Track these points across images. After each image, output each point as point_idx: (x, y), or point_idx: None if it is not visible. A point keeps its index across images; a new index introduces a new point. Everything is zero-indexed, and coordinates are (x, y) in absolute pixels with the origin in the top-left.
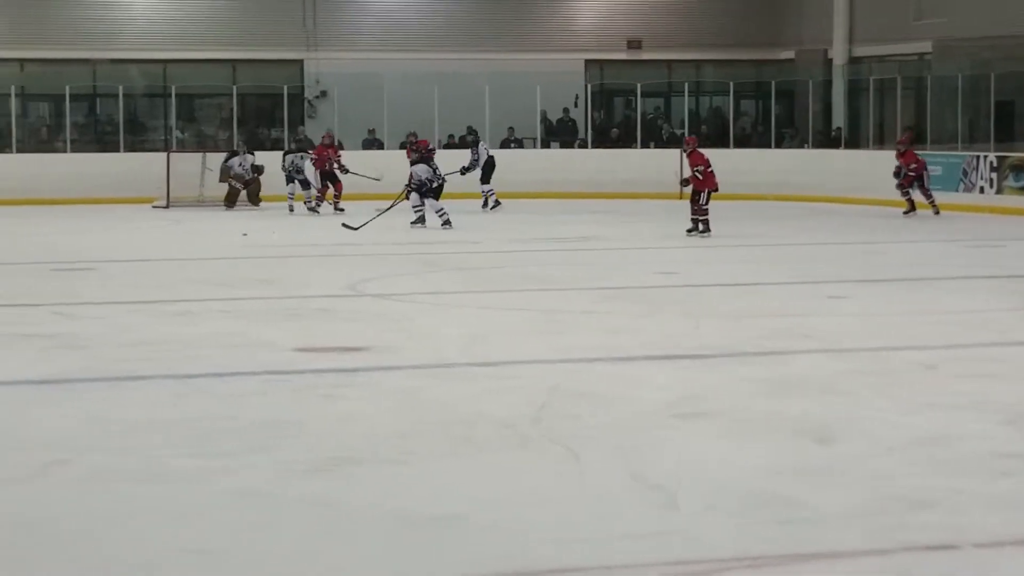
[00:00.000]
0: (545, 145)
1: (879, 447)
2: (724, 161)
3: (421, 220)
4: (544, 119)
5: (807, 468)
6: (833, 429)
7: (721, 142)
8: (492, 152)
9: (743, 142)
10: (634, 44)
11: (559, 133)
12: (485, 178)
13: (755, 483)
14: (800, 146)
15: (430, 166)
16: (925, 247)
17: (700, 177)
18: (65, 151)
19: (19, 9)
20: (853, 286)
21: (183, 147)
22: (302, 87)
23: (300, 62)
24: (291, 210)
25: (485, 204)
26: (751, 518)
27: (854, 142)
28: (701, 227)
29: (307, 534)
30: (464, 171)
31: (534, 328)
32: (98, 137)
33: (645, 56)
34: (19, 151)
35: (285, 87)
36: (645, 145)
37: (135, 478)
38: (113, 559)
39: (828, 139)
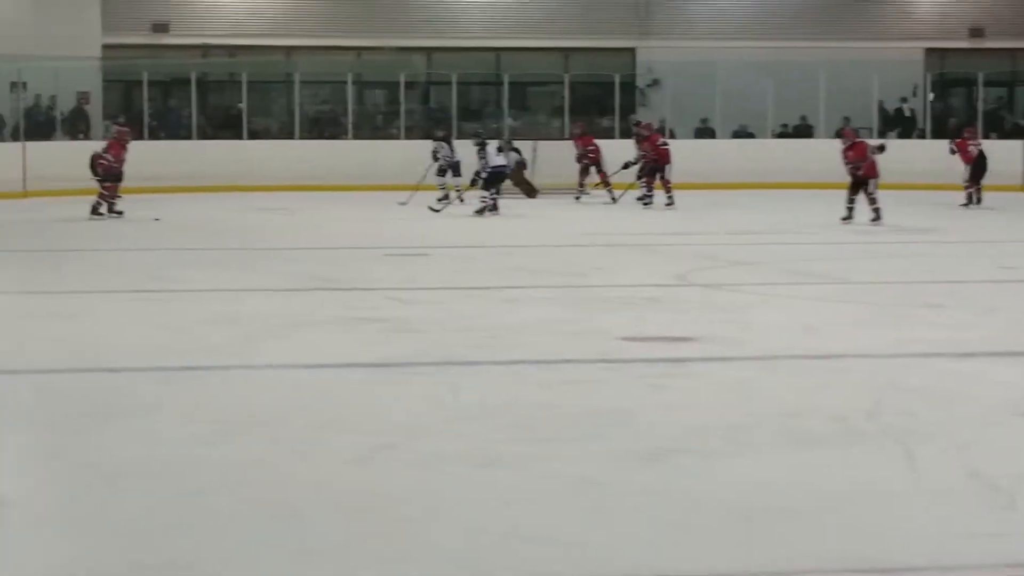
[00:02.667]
0: (882, 135)
1: None
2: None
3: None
4: (881, 109)
5: None
6: None
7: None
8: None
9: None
10: (976, 32)
11: (896, 123)
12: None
13: None
14: None
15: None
16: None
17: None
18: (399, 138)
19: None
20: None
21: (516, 135)
22: (634, 75)
23: (633, 50)
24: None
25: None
26: None
27: None
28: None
29: (639, 523)
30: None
31: (870, 321)
32: (431, 124)
33: (988, 44)
34: (354, 138)
35: (617, 76)
36: (986, 136)
37: (468, 463)
38: (444, 544)
39: None
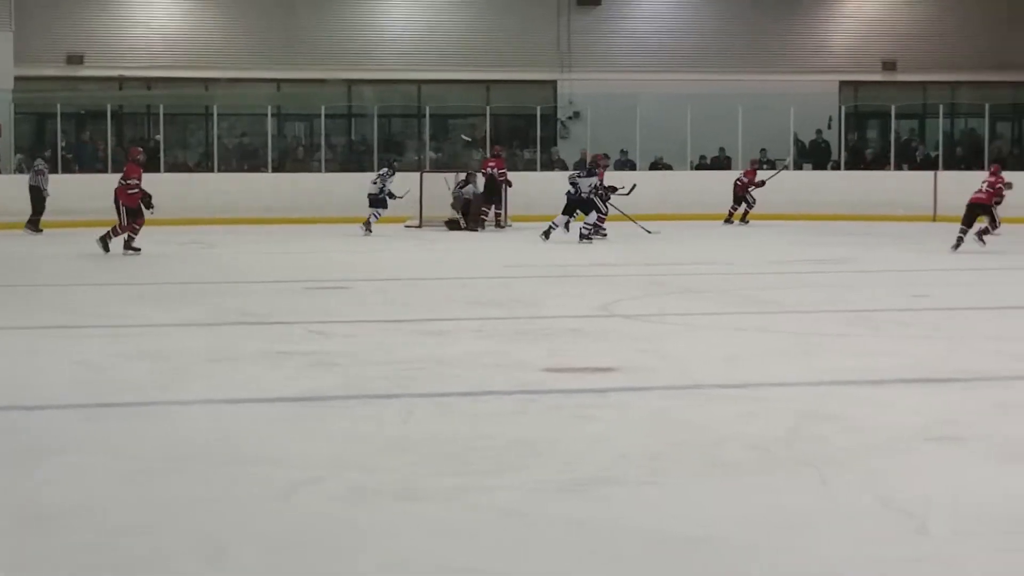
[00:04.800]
0: (798, 167)
1: None
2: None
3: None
4: (797, 141)
5: None
6: None
7: (976, 164)
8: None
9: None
10: (889, 65)
11: (812, 155)
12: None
13: (1010, 509)
14: None
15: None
16: None
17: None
18: (320, 171)
19: (276, 31)
20: None
21: (436, 166)
22: (555, 108)
23: (554, 83)
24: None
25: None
26: (1005, 545)
27: None
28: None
29: (564, 553)
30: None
31: (785, 350)
32: (352, 155)
33: (900, 78)
34: (274, 170)
35: (538, 108)
36: (899, 167)
37: (392, 496)
38: None
39: None
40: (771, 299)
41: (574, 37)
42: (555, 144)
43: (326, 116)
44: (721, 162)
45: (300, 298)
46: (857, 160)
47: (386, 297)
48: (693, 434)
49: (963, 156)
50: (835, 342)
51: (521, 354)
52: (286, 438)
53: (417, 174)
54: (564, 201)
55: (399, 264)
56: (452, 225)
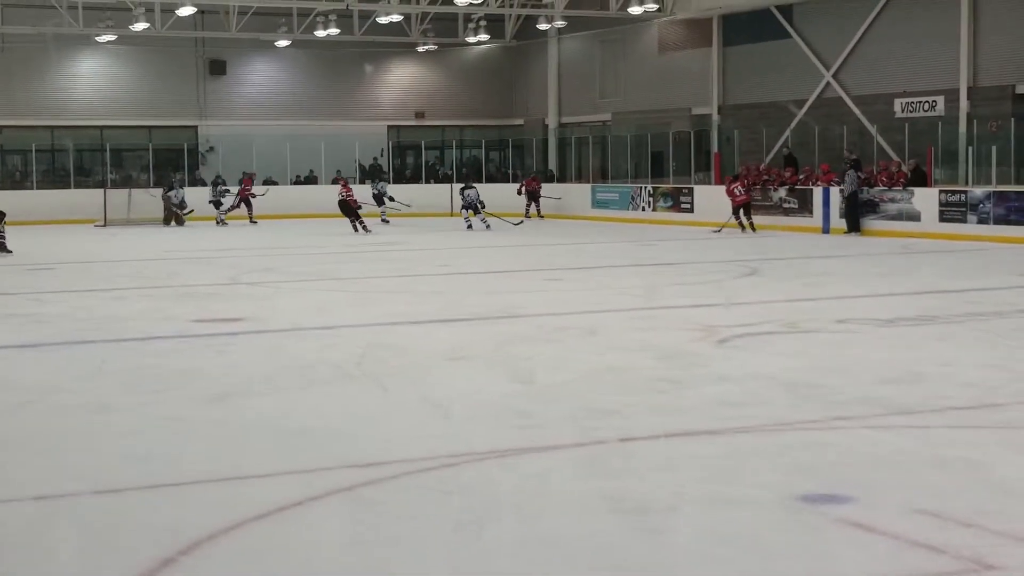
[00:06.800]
0: (362, 181)
1: (579, 375)
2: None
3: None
4: (360, 165)
5: (536, 391)
6: (553, 364)
7: (476, 179)
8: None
9: (491, 178)
10: (420, 114)
11: (371, 173)
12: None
13: (501, 401)
14: None
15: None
16: (612, 245)
17: None
18: (32, 188)
19: None
20: (564, 272)
21: (115, 185)
22: (197, 144)
23: (195, 127)
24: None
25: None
26: (499, 425)
27: (562, 178)
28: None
29: (212, 443)
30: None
31: (356, 302)
32: (55, 178)
33: (428, 123)
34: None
35: (185, 144)
36: (427, 181)
37: (88, 410)
38: (75, 465)
39: (545, 176)
40: (344, 271)
41: (209, 95)
42: (197, 168)
43: (36, 151)
44: (311, 179)
45: (20, 276)
46: (400, 176)
47: (82, 275)
48: (295, 360)
49: (467, 173)
50: (388, 297)
51: (176, 310)
52: (12, 373)
53: (102, 190)
54: None
55: (91, 252)
56: (166, 221)
